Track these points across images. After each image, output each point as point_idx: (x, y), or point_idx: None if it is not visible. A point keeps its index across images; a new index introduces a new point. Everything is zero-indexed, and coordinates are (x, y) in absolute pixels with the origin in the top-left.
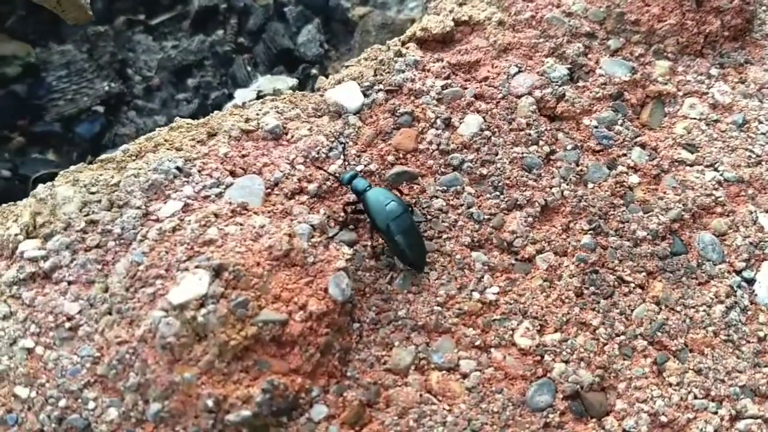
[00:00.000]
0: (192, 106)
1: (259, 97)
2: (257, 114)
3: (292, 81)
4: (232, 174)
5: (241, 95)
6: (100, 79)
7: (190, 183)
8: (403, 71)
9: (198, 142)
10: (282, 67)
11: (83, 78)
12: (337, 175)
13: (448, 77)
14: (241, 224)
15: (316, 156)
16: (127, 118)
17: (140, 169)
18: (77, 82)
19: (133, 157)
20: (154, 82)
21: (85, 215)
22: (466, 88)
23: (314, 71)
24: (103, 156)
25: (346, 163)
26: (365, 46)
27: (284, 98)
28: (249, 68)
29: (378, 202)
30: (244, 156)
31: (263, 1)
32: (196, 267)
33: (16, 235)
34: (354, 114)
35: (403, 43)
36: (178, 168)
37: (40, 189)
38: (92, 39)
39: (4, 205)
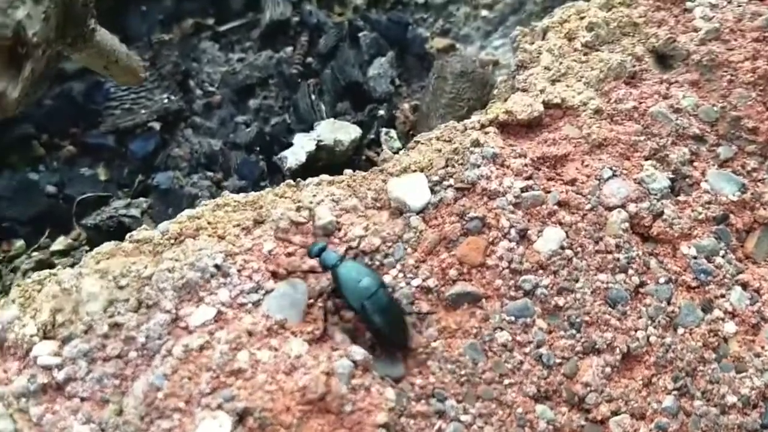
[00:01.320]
0: (250, 132)
1: (316, 161)
2: (311, 201)
3: (356, 132)
4: (275, 276)
5: (299, 142)
6: (160, 90)
7: (227, 285)
8: (479, 166)
9: (243, 230)
10: (347, 104)
11: (143, 88)
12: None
13: (530, 177)
14: (275, 350)
15: (370, 262)
16: (182, 136)
17: (176, 261)
18: (136, 91)
19: (172, 242)
20: (215, 99)
21: (110, 316)
22: (549, 192)
23: (381, 112)
24: (140, 235)
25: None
26: (439, 94)
27: (342, 182)
28: (313, 96)
29: (351, 278)
30: (289, 255)
31: (338, 18)
32: (219, 407)
33: (32, 335)
34: (417, 214)
35: (483, 126)
36: (216, 266)
37: (66, 276)
38: (156, 47)
39: (29, 281)
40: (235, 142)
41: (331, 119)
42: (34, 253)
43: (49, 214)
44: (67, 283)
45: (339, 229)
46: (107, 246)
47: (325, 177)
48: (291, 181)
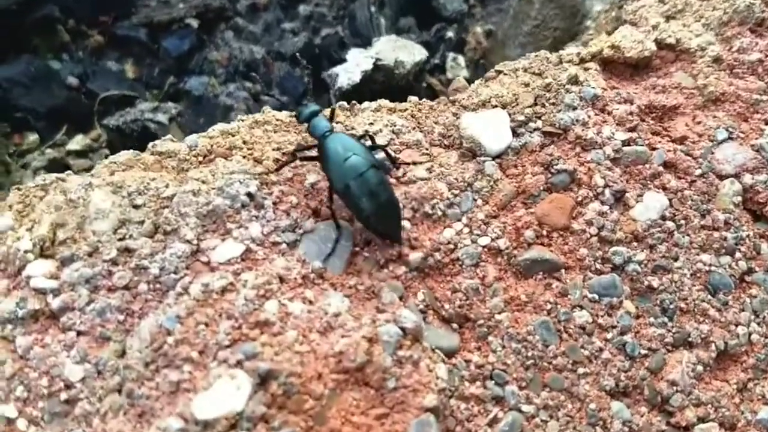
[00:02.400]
0: (297, 42)
1: (371, 83)
2: (366, 128)
3: (421, 54)
4: (315, 214)
5: (354, 58)
6: None
7: (259, 219)
8: (575, 108)
9: (284, 155)
10: (412, 20)
11: None
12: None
13: (633, 128)
14: (310, 302)
15: (431, 212)
16: (222, 39)
17: (203, 183)
18: None
19: (200, 159)
20: (262, 0)
21: (120, 239)
22: (654, 149)
23: (450, 34)
24: (164, 147)
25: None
26: (521, 19)
27: (406, 111)
28: (373, 9)
29: (336, 153)
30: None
31: None
32: (238, 364)
33: (26, 251)
34: (493, 159)
35: (582, 61)
36: (249, 194)
37: (74, 186)
38: None
39: (31, 185)
40: (279, 51)
41: (392, 36)
42: (48, 150)
43: (68, 109)
44: (73, 194)
45: (397, 167)
46: (125, 154)
47: (385, 102)
48: (344, 103)
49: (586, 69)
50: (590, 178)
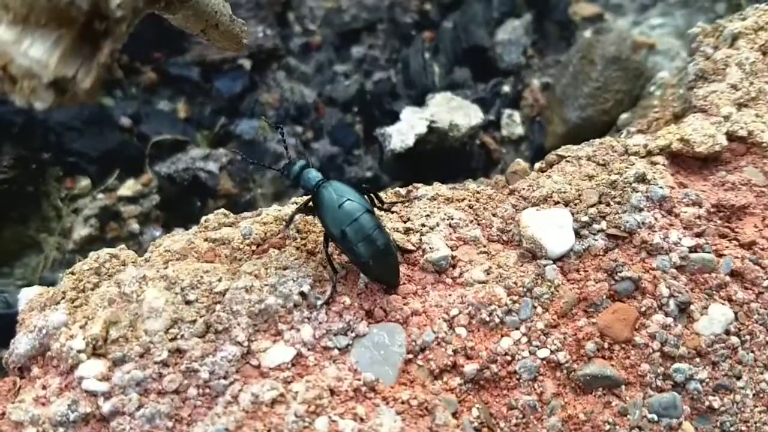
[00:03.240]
0: (349, 87)
1: (423, 143)
2: (422, 223)
3: (477, 118)
4: (369, 315)
5: (408, 118)
6: (256, 20)
7: (311, 321)
8: (641, 209)
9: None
10: (467, 71)
11: (237, 15)
12: (280, 168)
13: (701, 233)
14: (362, 420)
15: (488, 318)
16: (274, 79)
17: (256, 278)
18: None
19: (253, 248)
20: (315, 40)
21: (172, 339)
22: (721, 255)
23: (506, 88)
24: (218, 233)
25: (289, 153)
26: (582, 80)
27: (463, 201)
28: (427, 55)
29: (330, 200)
30: (389, 291)
31: None
32: None
33: (79, 351)
34: (555, 262)
35: (649, 153)
36: (302, 294)
37: (128, 278)
38: None
39: (84, 267)
40: (331, 96)
41: (447, 94)
42: (100, 196)
43: (120, 152)
44: (127, 287)
45: (453, 266)
46: (179, 239)
47: (441, 189)
48: (401, 190)
49: (653, 163)
50: (655, 287)
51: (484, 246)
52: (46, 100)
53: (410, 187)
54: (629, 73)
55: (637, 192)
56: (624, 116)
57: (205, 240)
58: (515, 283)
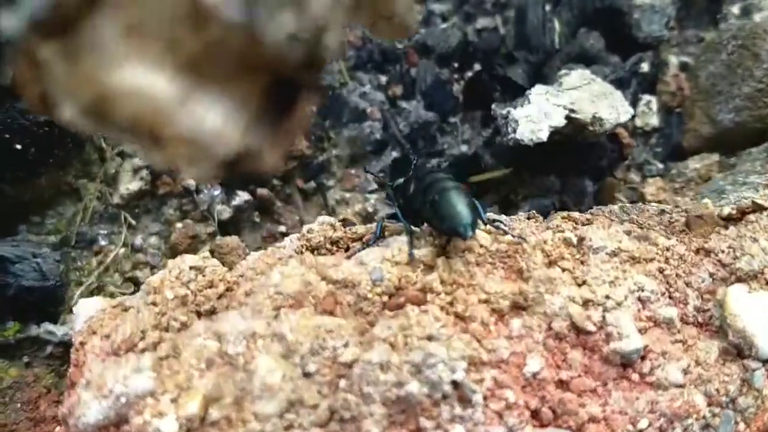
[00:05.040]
0: (448, 35)
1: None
2: (606, 294)
3: (626, 113)
4: (535, 416)
5: (540, 104)
6: None
7: (465, 421)
8: None
9: (495, 313)
10: (595, 35)
11: None
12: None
13: None
14: None
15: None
16: None
17: (392, 350)
18: None
19: (385, 299)
20: None
21: (287, 427)
22: None
23: (645, 67)
24: (341, 272)
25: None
26: (741, 75)
27: (652, 262)
28: (548, 7)
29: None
30: (562, 385)
31: None
32: None
33: None
34: (765, 365)
35: None
36: (454, 383)
37: (231, 328)
38: None
39: (168, 297)
40: (425, 43)
41: (585, 72)
42: None
43: None
44: (232, 345)
45: (644, 356)
46: (291, 274)
47: (622, 241)
48: (572, 236)
49: None
50: None
51: (679, 330)
52: (208, 174)
53: (580, 231)
54: None
55: None
56: None
57: (324, 280)
58: (717, 390)
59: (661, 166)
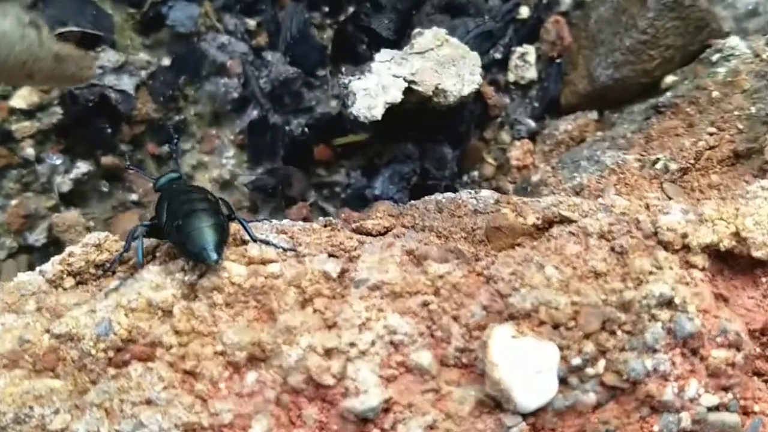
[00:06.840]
0: None
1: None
2: (351, 342)
3: (472, 85)
4: None
5: (378, 75)
6: None
7: None
8: (655, 350)
9: None
10: None
11: None
12: None
13: (729, 387)
14: None
15: None
16: None
17: (106, 414)
18: None
19: (110, 355)
20: None
21: None
22: (747, 413)
23: (524, 12)
24: (60, 327)
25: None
26: (625, 26)
27: (417, 294)
28: None
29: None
30: None
31: None
32: None
33: None
34: (525, 419)
35: (687, 250)
36: None
37: None
38: None
39: None
40: None
41: (440, 32)
42: None
43: None
44: None
45: (387, 410)
46: (11, 328)
47: (391, 274)
48: (333, 269)
49: (689, 265)
50: None
51: (433, 377)
52: None
53: (358, 251)
54: (689, 25)
55: (656, 321)
56: (670, 79)
57: (47, 333)
58: None
59: (533, 125)
